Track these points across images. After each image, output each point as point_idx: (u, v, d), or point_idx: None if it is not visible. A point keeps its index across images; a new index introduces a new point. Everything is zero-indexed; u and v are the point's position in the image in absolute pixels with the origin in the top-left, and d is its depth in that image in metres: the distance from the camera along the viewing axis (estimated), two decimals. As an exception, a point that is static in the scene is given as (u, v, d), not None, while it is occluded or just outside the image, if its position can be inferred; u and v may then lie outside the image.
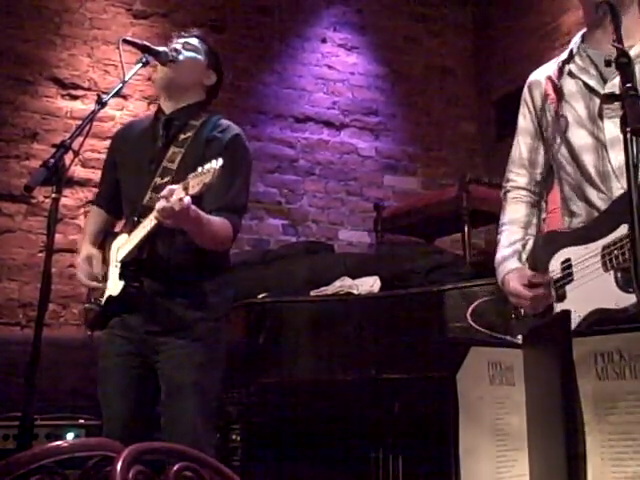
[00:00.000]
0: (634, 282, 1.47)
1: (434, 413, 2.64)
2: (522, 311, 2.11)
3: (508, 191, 2.24)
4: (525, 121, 2.20)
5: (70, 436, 3.34)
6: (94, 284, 2.51)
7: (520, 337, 2.01)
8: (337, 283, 3.33)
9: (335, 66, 5.81)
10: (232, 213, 2.42)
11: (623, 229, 1.85)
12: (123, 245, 2.46)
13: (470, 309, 2.33)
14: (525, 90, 2.20)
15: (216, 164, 2.10)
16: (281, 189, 5.45)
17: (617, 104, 1.89)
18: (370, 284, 3.27)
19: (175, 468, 1.10)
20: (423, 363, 2.83)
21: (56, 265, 4.42)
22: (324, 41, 5.81)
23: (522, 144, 2.21)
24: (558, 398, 1.33)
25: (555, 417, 1.34)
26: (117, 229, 2.72)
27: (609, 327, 1.43)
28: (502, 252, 2.17)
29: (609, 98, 1.65)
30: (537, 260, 2.10)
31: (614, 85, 1.92)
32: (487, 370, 1.39)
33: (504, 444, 1.38)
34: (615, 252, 1.85)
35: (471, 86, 5.95)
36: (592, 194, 2.00)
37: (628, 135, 1.52)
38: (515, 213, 2.20)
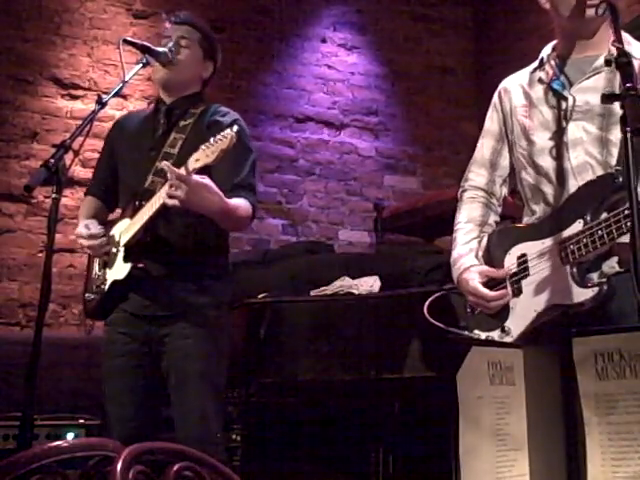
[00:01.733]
0: (634, 282, 1.47)
1: (434, 413, 2.64)
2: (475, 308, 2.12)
3: (465, 190, 2.27)
4: (492, 124, 2.24)
5: (70, 436, 3.34)
6: (97, 241, 2.48)
7: (476, 332, 2.06)
8: (337, 283, 3.33)
9: (335, 66, 5.81)
10: (248, 191, 2.45)
11: (578, 225, 1.89)
12: (126, 229, 2.46)
13: (426, 304, 2.34)
14: (495, 96, 2.25)
15: (232, 130, 2.14)
16: (281, 189, 5.45)
17: (586, 108, 1.97)
18: (370, 284, 3.26)
19: (175, 468, 1.10)
20: (423, 363, 2.83)
21: (56, 265, 4.42)
22: (324, 41, 5.80)
23: (486, 146, 2.25)
24: (558, 398, 1.34)
25: (555, 417, 1.34)
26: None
27: (609, 327, 1.43)
28: (458, 250, 2.18)
29: (609, 98, 1.66)
30: (492, 257, 2.12)
31: (580, 88, 2.00)
32: (487, 370, 1.39)
33: (504, 444, 1.38)
34: (571, 247, 1.89)
35: (471, 86, 5.95)
36: (549, 192, 2.04)
37: (628, 135, 1.52)
38: (471, 212, 2.22)
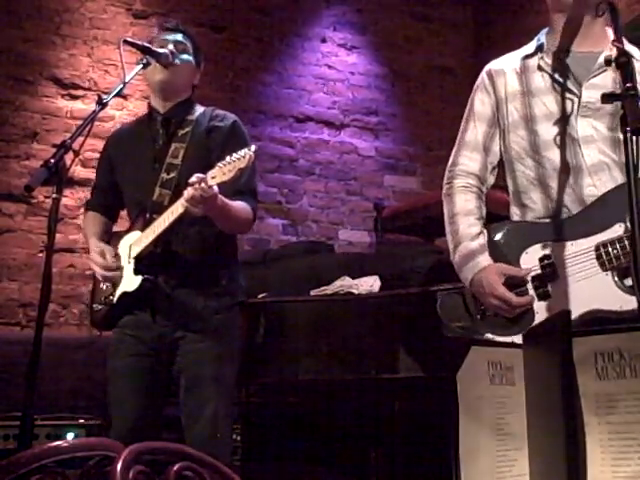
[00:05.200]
0: (634, 283, 1.47)
1: (434, 413, 2.64)
2: (486, 308, 2.01)
3: (456, 176, 2.13)
4: (483, 107, 2.15)
5: (70, 436, 3.34)
6: (110, 274, 2.50)
7: (488, 335, 1.97)
8: (337, 283, 3.32)
9: (335, 66, 5.81)
10: (249, 196, 2.48)
11: (619, 228, 1.84)
12: (137, 241, 2.48)
13: (438, 303, 2.27)
14: (485, 77, 2.17)
15: (250, 150, 2.17)
16: (281, 189, 5.45)
17: (598, 105, 1.91)
18: (370, 284, 3.26)
19: (175, 468, 1.10)
20: (423, 363, 2.83)
21: (56, 265, 4.42)
22: (324, 41, 5.80)
23: (479, 129, 2.13)
24: (558, 398, 1.33)
25: (555, 417, 1.34)
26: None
27: (609, 327, 1.43)
28: (467, 245, 2.04)
29: (609, 97, 1.65)
30: (502, 254, 2.01)
31: (590, 85, 1.95)
32: (487, 370, 1.39)
33: (504, 444, 1.38)
34: (614, 252, 1.83)
35: (471, 86, 5.93)
36: (555, 188, 1.97)
37: (628, 135, 1.52)
38: (467, 203, 2.09)
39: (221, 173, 2.19)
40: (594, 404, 1.31)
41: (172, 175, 2.47)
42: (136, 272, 2.44)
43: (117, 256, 2.54)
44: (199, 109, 2.62)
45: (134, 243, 2.49)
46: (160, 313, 2.46)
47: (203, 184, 2.19)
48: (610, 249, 1.84)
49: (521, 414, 1.41)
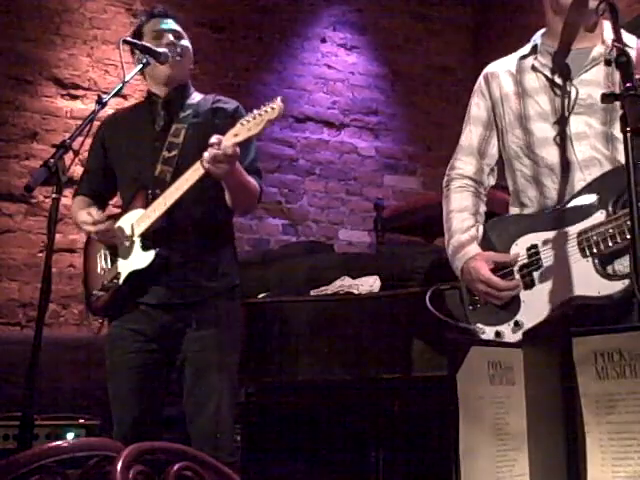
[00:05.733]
0: (634, 282, 1.47)
1: (434, 413, 2.64)
2: (478, 299, 2.06)
3: (453, 179, 2.20)
4: (479, 110, 2.20)
5: (70, 436, 3.33)
6: (104, 227, 2.43)
7: (480, 326, 2.01)
8: (337, 283, 3.32)
9: (335, 66, 5.81)
10: (255, 175, 2.47)
11: (600, 215, 1.86)
12: (142, 218, 2.42)
13: (428, 294, 2.27)
14: (481, 81, 2.22)
15: (279, 101, 2.10)
16: (281, 189, 5.46)
17: (590, 102, 1.95)
18: (370, 284, 3.26)
19: (175, 468, 1.10)
20: (423, 363, 2.83)
21: (56, 265, 4.43)
22: (324, 41, 5.81)
23: (474, 133, 2.19)
24: (558, 398, 1.33)
25: (555, 417, 1.34)
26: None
27: (609, 327, 1.43)
28: (458, 238, 2.10)
29: (609, 97, 1.65)
30: (494, 247, 2.06)
31: (582, 81, 1.98)
32: (487, 370, 1.39)
33: (504, 444, 1.38)
34: (594, 238, 1.85)
35: (471, 86, 5.93)
36: (549, 185, 2.00)
37: (628, 135, 1.52)
38: (463, 201, 2.15)
39: (245, 129, 2.15)
40: (594, 404, 1.31)
41: (173, 153, 2.45)
42: (145, 248, 2.39)
43: (118, 230, 2.48)
44: (199, 95, 2.62)
45: (138, 220, 2.43)
46: (168, 290, 2.42)
47: (225, 141, 2.16)
48: (591, 235, 1.86)
49: (521, 414, 1.41)
